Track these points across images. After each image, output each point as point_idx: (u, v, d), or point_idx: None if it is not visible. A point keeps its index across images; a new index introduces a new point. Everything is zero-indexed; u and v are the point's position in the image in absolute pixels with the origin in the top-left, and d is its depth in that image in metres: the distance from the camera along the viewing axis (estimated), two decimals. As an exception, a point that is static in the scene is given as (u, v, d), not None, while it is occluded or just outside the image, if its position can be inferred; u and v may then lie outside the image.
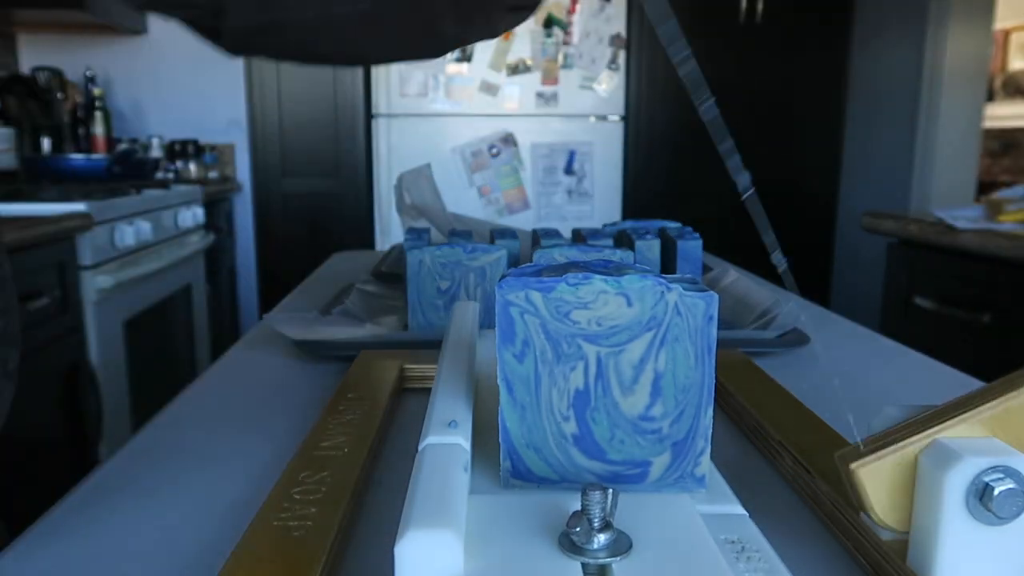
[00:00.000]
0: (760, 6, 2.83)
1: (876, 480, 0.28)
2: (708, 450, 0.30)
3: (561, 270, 0.30)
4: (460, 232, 0.82)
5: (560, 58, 2.78)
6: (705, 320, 0.29)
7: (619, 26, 2.79)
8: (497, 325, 0.29)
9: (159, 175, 2.56)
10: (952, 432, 0.28)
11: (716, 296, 0.29)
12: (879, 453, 0.28)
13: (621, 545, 0.25)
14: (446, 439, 0.29)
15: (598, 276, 0.29)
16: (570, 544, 0.25)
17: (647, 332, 0.29)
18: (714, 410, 0.30)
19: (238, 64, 2.79)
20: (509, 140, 2.82)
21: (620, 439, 0.30)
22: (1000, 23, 4.23)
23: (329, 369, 0.61)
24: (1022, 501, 0.26)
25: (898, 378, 0.62)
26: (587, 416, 0.30)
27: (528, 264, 0.34)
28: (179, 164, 2.75)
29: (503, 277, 0.30)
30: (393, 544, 0.22)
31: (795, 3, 2.87)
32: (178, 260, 2.07)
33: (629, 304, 0.29)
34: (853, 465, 0.28)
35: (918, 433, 0.28)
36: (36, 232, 1.40)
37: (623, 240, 0.80)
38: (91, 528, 0.37)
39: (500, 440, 0.30)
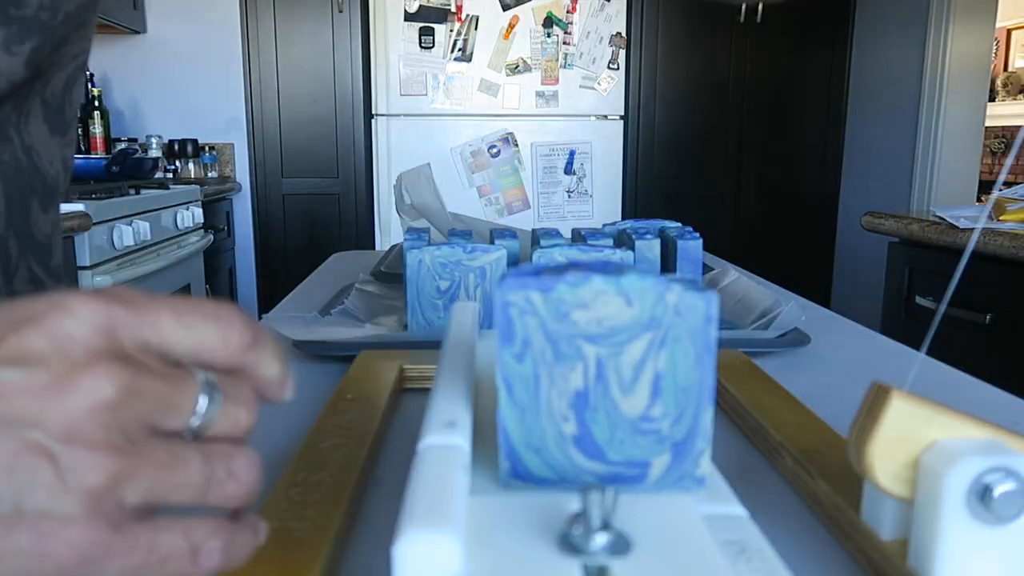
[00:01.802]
0: (760, 6, 2.83)
1: (897, 422, 0.28)
2: (708, 450, 0.30)
3: (561, 270, 0.30)
4: (460, 232, 0.82)
5: (560, 58, 2.78)
6: (705, 320, 0.29)
7: (619, 26, 2.79)
8: (496, 325, 0.29)
9: (158, 175, 2.56)
10: (961, 432, 0.28)
11: (716, 296, 0.29)
12: (921, 400, 0.29)
13: (621, 545, 0.25)
14: (446, 439, 0.29)
15: (598, 276, 0.29)
16: (570, 544, 0.24)
17: (647, 332, 0.29)
18: (714, 410, 0.30)
19: (237, 63, 2.79)
20: (509, 140, 2.82)
21: (620, 439, 0.30)
22: (1002, 22, 4.24)
23: (329, 369, 0.61)
24: (1023, 502, 0.26)
25: (899, 378, 0.62)
26: (587, 417, 0.29)
27: (528, 264, 0.34)
28: (178, 164, 2.75)
29: (503, 277, 0.30)
30: (392, 544, 0.22)
31: (795, 3, 2.87)
32: (177, 260, 2.07)
33: (629, 304, 0.29)
34: (896, 392, 0.29)
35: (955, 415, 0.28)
36: (36, 232, 1.40)
37: (623, 240, 0.80)
38: (90, 528, 0.36)
39: (499, 441, 0.30)
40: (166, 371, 0.22)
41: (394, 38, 2.71)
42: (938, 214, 1.52)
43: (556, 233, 0.80)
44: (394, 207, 1.05)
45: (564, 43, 2.77)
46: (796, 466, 0.40)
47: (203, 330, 0.23)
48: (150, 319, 0.22)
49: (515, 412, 0.30)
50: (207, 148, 2.83)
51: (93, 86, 2.68)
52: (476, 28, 2.73)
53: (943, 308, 0.32)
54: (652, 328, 0.29)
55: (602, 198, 2.89)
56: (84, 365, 0.21)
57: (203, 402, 0.23)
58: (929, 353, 0.70)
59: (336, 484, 0.36)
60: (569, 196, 2.87)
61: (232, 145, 2.89)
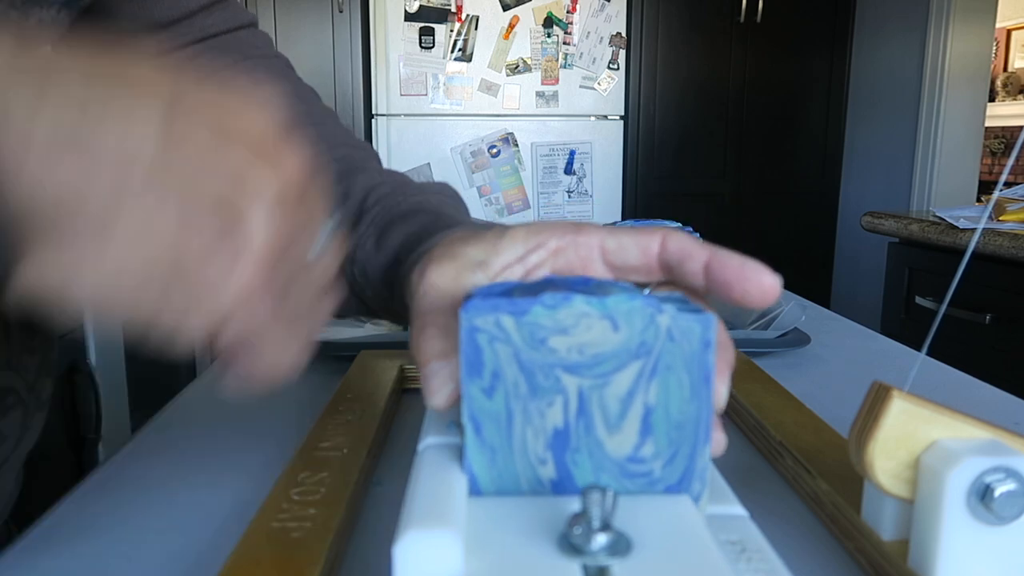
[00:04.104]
0: (760, 6, 2.83)
1: (898, 422, 0.28)
2: (705, 493, 0.27)
3: (536, 289, 0.27)
4: (460, 232, 0.82)
5: (560, 58, 2.78)
6: (702, 345, 0.25)
7: (619, 26, 2.79)
8: (462, 355, 0.25)
9: (159, 175, 2.56)
10: (959, 432, 0.28)
11: (714, 318, 0.26)
12: (921, 400, 0.28)
13: (621, 546, 0.24)
14: (446, 439, 0.29)
15: (579, 296, 0.25)
16: (570, 545, 0.24)
17: (636, 361, 0.26)
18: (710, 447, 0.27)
19: (238, 64, 2.79)
20: (509, 140, 2.82)
21: (605, 484, 0.26)
22: (1001, 22, 4.23)
23: (329, 369, 0.61)
24: (1023, 502, 0.26)
25: (899, 378, 0.62)
26: (567, 459, 0.26)
27: (497, 283, 0.30)
28: (179, 164, 2.75)
29: (468, 298, 0.26)
30: (392, 544, 0.22)
31: (795, 3, 2.87)
32: (178, 260, 2.07)
33: (615, 329, 0.25)
34: (897, 392, 0.28)
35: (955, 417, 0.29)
36: (36, 232, 1.40)
37: (623, 240, 0.80)
38: (90, 529, 0.37)
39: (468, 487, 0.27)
40: None
41: (394, 38, 2.71)
42: (938, 214, 1.52)
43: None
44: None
45: (564, 43, 2.77)
46: (796, 466, 0.40)
47: None
48: None
49: (484, 455, 0.26)
50: (207, 148, 2.82)
51: (93, 86, 2.67)
52: (476, 28, 2.73)
53: (943, 308, 0.32)
54: (642, 355, 0.26)
55: (602, 198, 2.89)
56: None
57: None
58: (929, 353, 0.70)
59: (336, 485, 0.36)
60: (569, 196, 2.87)
61: (232, 145, 2.88)
